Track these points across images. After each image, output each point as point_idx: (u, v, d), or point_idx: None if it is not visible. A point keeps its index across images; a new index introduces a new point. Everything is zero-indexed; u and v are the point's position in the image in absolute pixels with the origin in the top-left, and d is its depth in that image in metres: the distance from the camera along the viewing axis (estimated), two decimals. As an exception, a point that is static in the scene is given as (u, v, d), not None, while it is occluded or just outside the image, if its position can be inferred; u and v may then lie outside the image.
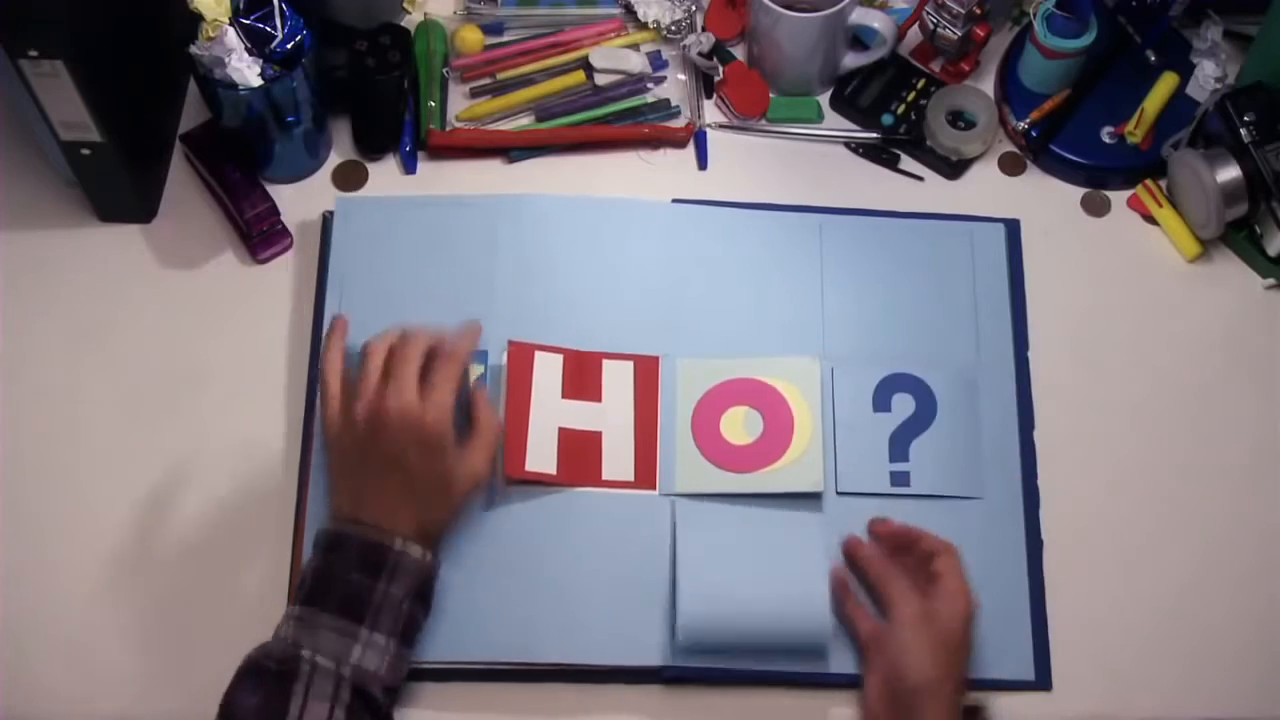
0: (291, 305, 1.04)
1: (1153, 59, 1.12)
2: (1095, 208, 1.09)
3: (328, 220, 1.05)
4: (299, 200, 1.08)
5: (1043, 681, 0.91)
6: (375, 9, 1.13)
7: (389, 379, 0.88)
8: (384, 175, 1.10)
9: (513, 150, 1.10)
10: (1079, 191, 1.10)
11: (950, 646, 0.86)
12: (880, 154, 1.11)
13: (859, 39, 1.13)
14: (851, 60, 1.12)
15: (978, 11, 1.09)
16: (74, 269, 1.06)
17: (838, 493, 0.95)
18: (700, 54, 1.13)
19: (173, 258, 1.06)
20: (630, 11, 1.15)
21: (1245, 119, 1.01)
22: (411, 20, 1.16)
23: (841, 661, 0.90)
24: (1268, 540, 0.96)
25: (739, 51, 1.15)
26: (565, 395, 0.96)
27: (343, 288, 1.01)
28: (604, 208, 1.04)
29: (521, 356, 0.96)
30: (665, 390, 0.98)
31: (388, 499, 0.86)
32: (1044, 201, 1.09)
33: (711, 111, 1.13)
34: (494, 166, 1.10)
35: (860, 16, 1.09)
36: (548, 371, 0.97)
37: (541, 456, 0.94)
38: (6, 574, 0.94)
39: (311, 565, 0.86)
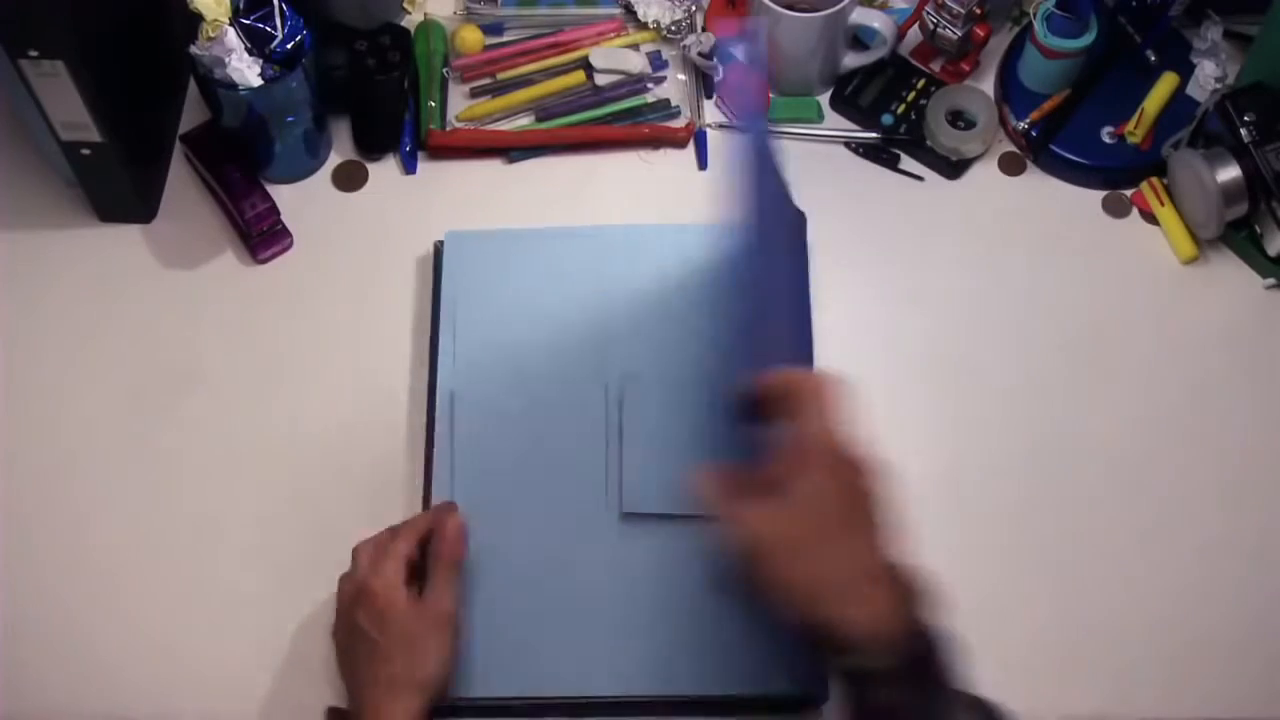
0: (292, 305, 1.04)
1: (1153, 59, 1.12)
2: (1095, 207, 1.09)
3: (439, 250, 1.03)
4: (299, 200, 1.08)
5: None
6: (375, 9, 1.13)
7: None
8: (384, 175, 1.10)
9: (513, 150, 1.10)
10: (1079, 191, 1.10)
11: (796, 546, 0.72)
12: (880, 154, 1.11)
13: (859, 39, 1.13)
14: (851, 60, 1.12)
15: (978, 11, 1.09)
16: (74, 269, 1.06)
17: None
18: (700, 54, 1.13)
19: (173, 258, 1.06)
20: (630, 11, 1.15)
21: (1245, 119, 1.01)
22: (411, 20, 1.16)
23: None
24: (1266, 540, 0.96)
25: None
26: None
27: (455, 321, 1.00)
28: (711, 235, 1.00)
29: None
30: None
31: (373, 690, 0.82)
32: (1044, 201, 1.09)
33: (711, 111, 1.13)
34: (494, 166, 1.10)
35: (860, 16, 1.09)
36: None
37: None
38: (6, 574, 0.94)
39: None
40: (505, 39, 1.16)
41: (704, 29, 1.14)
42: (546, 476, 0.94)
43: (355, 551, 0.87)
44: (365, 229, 1.08)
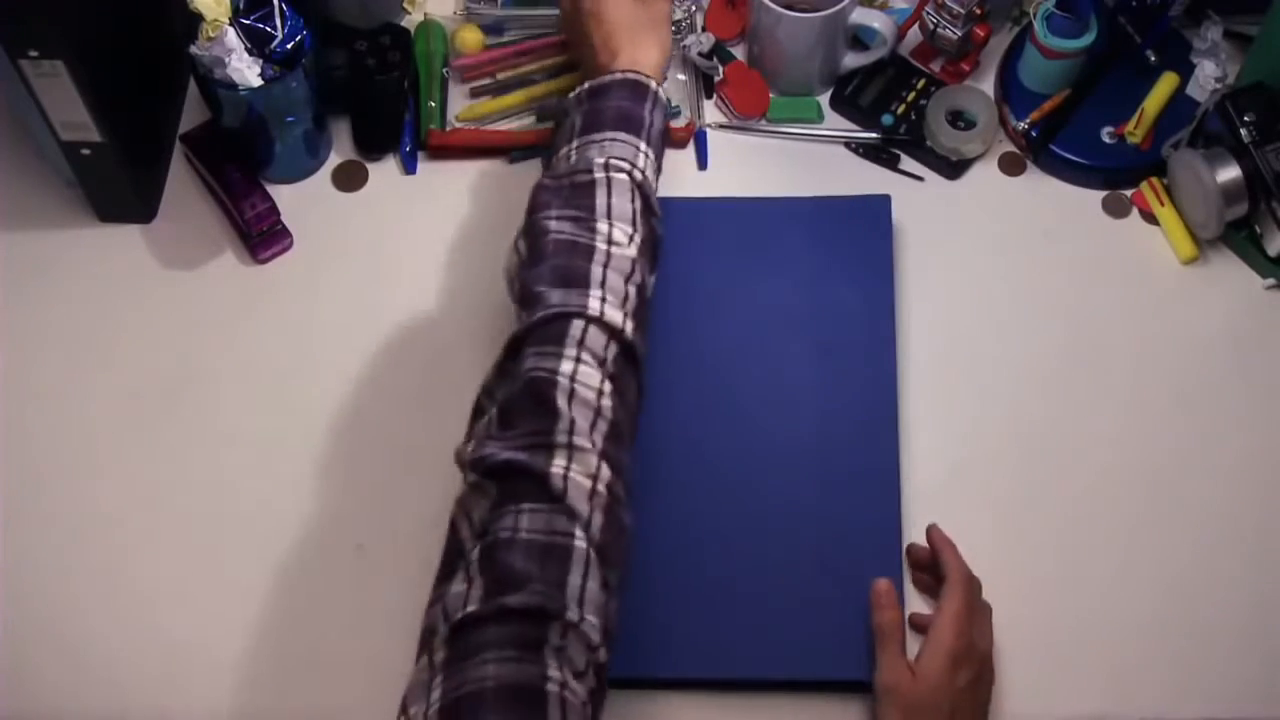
0: (292, 305, 1.04)
1: (1153, 59, 1.12)
2: (1095, 207, 1.09)
3: None
4: (299, 200, 1.08)
5: None
6: (375, 9, 1.13)
7: None
8: (384, 175, 1.10)
9: (513, 150, 1.10)
10: (1079, 191, 1.10)
11: (915, 713, 0.84)
12: (880, 154, 1.11)
13: (859, 39, 1.13)
14: (851, 60, 1.12)
15: (978, 11, 1.09)
16: (74, 269, 1.06)
17: None
18: (700, 54, 1.13)
19: (173, 258, 1.06)
20: (630, 11, 1.15)
21: (1245, 119, 1.01)
22: (411, 20, 1.16)
23: None
24: (1266, 539, 0.96)
25: (739, 51, 1.15)
26: None
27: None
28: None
29: None
30: None
31: (629, 50, 0.97)
32: (1044, 201, 1.09)
33: (711, 111, 1.13)
34: (494, 166, 1.10)
35: (860, 16, 1.09)
36: None
37: None
38: (7, 573, 0.94)
39: (579, 111, 0.93)
40: (505, 39, 1.16)
41: (704, 29, 1.14)
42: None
43: None
44: (365, 229, 1.08)
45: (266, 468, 0.98)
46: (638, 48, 0.98)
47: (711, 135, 1.12)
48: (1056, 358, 1.02)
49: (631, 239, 0.85)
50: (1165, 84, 1.10)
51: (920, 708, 0.84)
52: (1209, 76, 1.10)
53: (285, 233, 1.06)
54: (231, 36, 0.97)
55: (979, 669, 0.86)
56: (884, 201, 1.05)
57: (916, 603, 0.92)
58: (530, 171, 1.10)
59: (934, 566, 0.92)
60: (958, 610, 0.87)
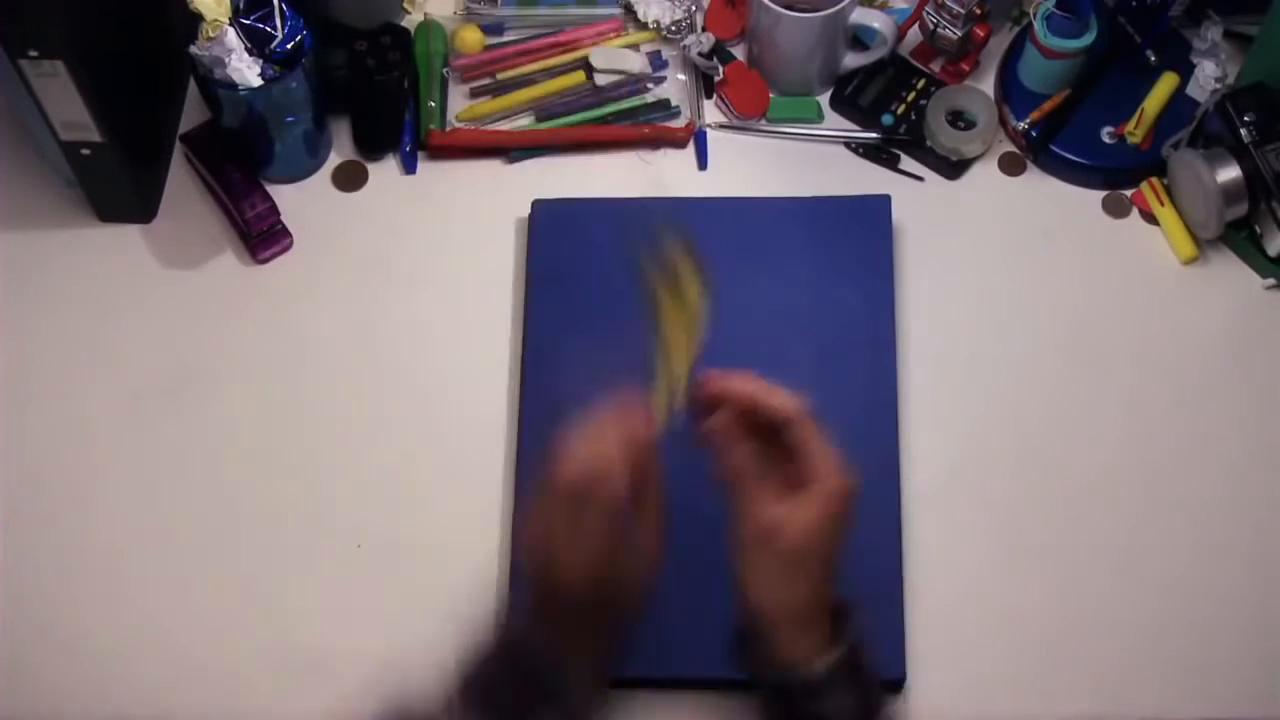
0: (292, 305, 1.04)
1: (1153, 59, 1.11)
2: (1095, 207, 1.09)
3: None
4: (299, 200, 1.08)
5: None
6: (375, 9, 1.13)
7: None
8: (384, 175, 1.10)
9: (513, 150, 1.10)
10: (1079, 191, 1.10)
11: (801, 560, 0.73)
12: (880, 154, 1.11)
13: (859, 39, 1.13)
14: (851, 60, 1.12)
15: (978, 11, 1.09)
16: (74, 269, 1.06)
17: None
18: (700, 54, 1.13)
19: (173, 258, 1.06)
20: (630, 11, 1.15)
21: (1245, 119, 1.01)
22: (411, 20, 1.16)
23: None
24: (1265, 539, 0.96)
25: (739, 51, 1.15)
26: None
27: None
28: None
29: None
30: None
31: (559, 623, 0.74)
32: (1044, 201, 1.09)
33: (711, 111, 1.13)
34: (494, 166, 1.10)
35: (860, 16, 1.09)
36: None
37: None
38: (7, 573, 0.94)
39: (475, 665, 0.74)
40: (505, 39, 1.16)
41: (704, 29, 1.14)
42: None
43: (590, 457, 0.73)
44: (365, 229, 1.08)
45: (266, 467, 0.98)
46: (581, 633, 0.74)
47: (711, 135, 1.12)
48: (1056, 357, 1.02)
49: None
50: (1165, 84, 1.10)
51: (805, 554, 0.73)
52: (1209, 76, 1.10)
53: (285, 233, 1.06)
54: (231, 36, 0.98)
55: (849, 506, 0.75)
56: (884, 201, 1.05)
57: (919, 595, 0.92)
58: (531, 171, 1.10)
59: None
60: (824, 446, 0.75)
